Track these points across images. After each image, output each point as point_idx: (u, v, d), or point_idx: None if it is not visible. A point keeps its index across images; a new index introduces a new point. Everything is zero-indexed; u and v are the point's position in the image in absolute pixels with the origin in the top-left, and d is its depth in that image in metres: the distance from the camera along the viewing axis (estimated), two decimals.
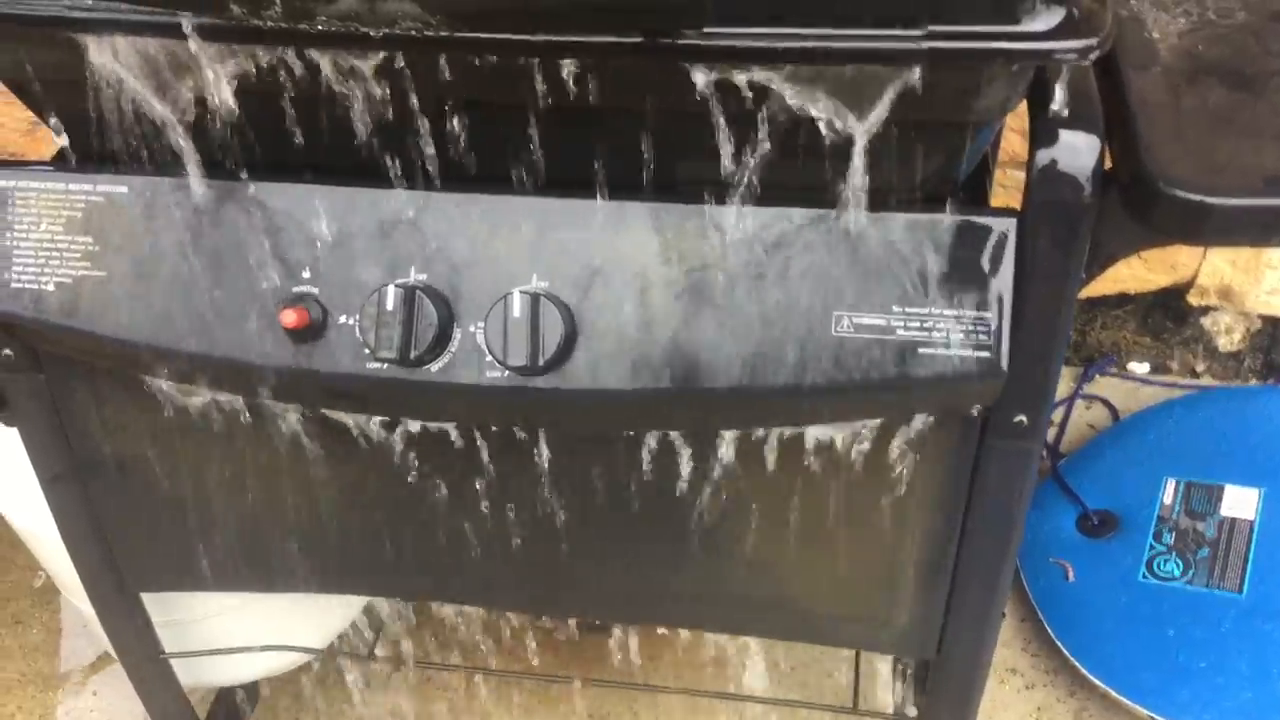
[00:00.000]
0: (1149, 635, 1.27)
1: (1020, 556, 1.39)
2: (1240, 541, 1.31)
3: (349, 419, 0.78)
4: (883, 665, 1.22)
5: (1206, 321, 1.62)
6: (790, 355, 0.68)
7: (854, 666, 1.12)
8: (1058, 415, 1.59)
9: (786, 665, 1.34)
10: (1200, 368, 1.66)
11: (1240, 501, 1.35)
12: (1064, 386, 1.63)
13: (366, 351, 0.70)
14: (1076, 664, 1.29)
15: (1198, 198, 0.60)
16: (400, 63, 0.61)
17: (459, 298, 0.70)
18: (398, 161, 0.69)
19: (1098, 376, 1.65)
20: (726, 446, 0.75)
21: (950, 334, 0.67)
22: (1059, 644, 1.31)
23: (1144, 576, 1.31)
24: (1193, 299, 1.60)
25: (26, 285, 0.74)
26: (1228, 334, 1.62)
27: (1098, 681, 1.27)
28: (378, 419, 0.78)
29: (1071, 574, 1.35)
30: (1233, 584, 1.28)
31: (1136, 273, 1.58)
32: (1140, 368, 1.68)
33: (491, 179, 0.70)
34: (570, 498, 0.80)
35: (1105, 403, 1.61)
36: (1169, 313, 1.63)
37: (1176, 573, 1.30)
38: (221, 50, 0.63)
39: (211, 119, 0.68)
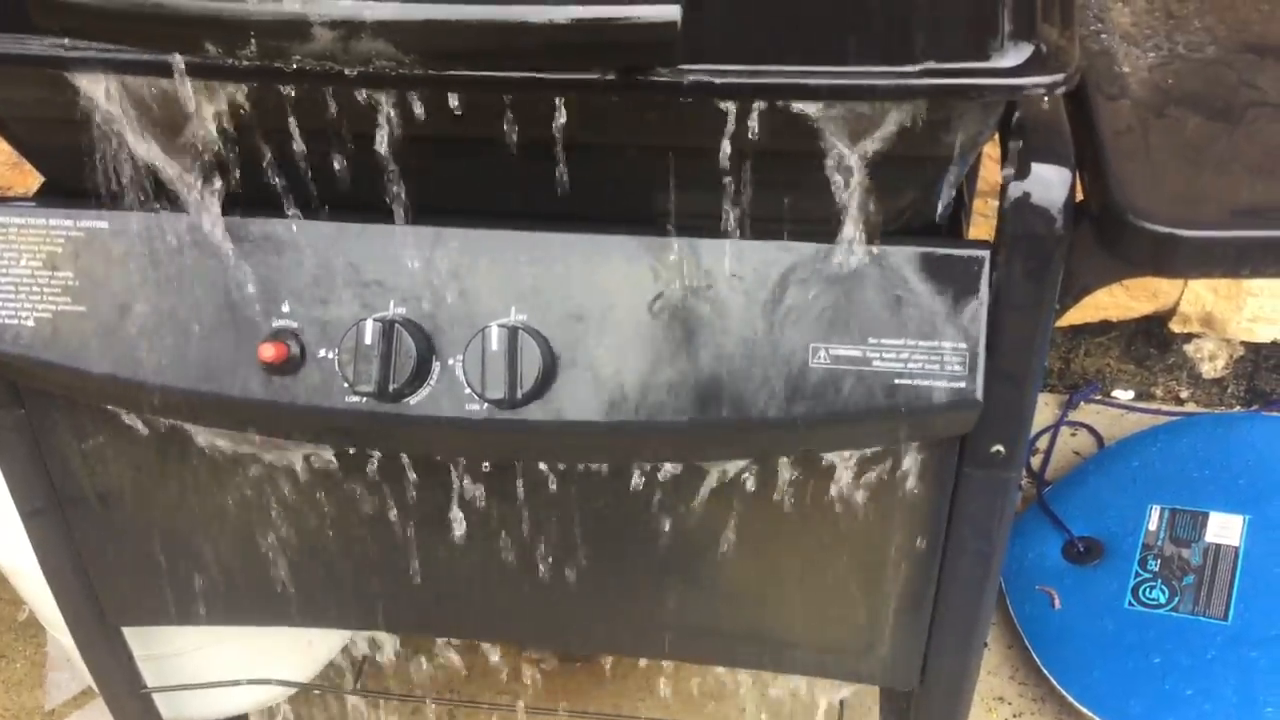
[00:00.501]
0: (1135, 662, 1.27)
1: (1006, 583, 1.39)
2: (1225, 568, 1.31)
3: (329, 452, 0.78)
4: (869, 696, 1.21)
5: (1190, 348, 1.63)
6: (768, 388, 0.68)
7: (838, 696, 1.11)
8: (1043, 442, 1.59)
9: (771, 694, 1.33)
10: (1184, 394, 1.67)
11: (1225, 528, 1.35)
12: (1049, 414, 1.63)
13: (345, 385, 0.71)
14: (1063, 692, 1.29)
15: (1166, 230, 0.61)
16: (375, 100, 0.62)
17: (438, 331, 0.70)
18: (376, 195, 0.69)
19: (1082, 404, 1.66)
20: (704, 478, 0.76)
21: (926, 365, 0.67)
22: (1045, 672, 1.31)
23: (1130, 603, 1.31)
24: (1175, 326, 1.61)
25: (6, 320, 0.74)
26: (1211, 361, 1.63)
27: (1084, 709, 1.27)
28: (357, 452, 0.78)
29: (1057, 601, 1.35)
30: (1218, 611, 1.28)
31: (1119, 300, 1.59)
32: (1124, 395, 1.68)
33: (470, 212, 0.70)
34: (550, 530, 0.80)
35: (1090, 430, 1.61)
36: (1152, 340, 1.64)
37: (1162, 600, 1.30)
38: (198, 87, 0.63)
39: (190, 155, 0.68)
